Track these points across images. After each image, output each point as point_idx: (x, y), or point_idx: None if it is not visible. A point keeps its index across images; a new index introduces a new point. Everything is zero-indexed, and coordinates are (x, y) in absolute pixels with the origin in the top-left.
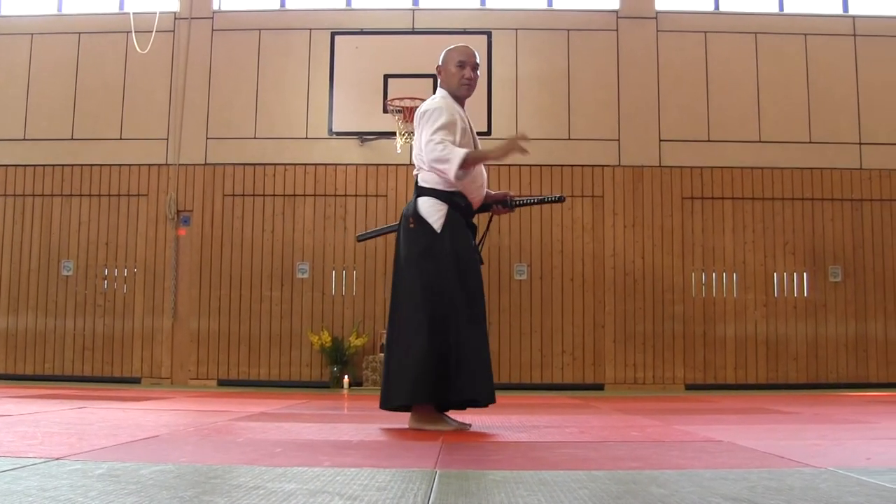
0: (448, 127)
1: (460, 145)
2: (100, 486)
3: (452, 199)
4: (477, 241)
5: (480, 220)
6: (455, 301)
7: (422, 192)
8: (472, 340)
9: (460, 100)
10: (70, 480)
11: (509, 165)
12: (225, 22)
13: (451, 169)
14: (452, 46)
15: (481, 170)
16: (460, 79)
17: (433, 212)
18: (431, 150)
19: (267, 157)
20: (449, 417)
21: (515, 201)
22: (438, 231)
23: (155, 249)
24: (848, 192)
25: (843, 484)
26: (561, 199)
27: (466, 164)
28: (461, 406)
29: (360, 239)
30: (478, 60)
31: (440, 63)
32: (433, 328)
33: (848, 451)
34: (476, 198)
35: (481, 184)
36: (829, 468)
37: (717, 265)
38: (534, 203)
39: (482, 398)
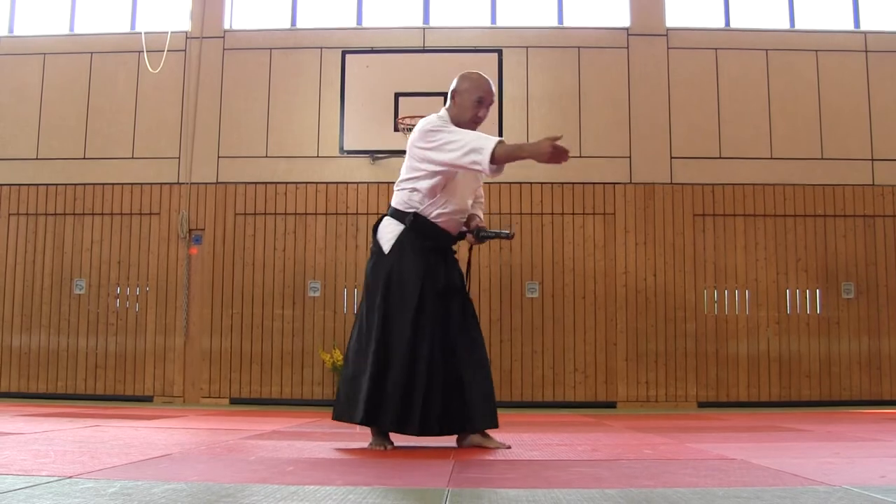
0: (458, 133)
1: (456, 182)
2: None
3: (415, 220)
4: (464, 270)
5: (463, 248)
6: (388, 326)
7: (389, 212)
8: (372, 366)
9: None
10: (83, 499)
11: (521, 183)
12: (236, 41)
13: (484, 160)
14: (473, 76)
15: (460, 192)
16: (474, 115)
17: (386, 233)
18: (457, 147)
19: (278, 175)
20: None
21: (482, 234)
22: (386, 252)
23: (167, 268)
24: (860, 209)
25: (858, 502)
26: (510, 236)
27: (498, 158)
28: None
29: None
30: (494, 98)
31: (455, 87)
32: (375, 352)
33: (862, 469)
34: (449, 221)
35: (460, 208)
36: (843, 486)
37: (730, 282)
38: (491, 237)
39: (369, 423)
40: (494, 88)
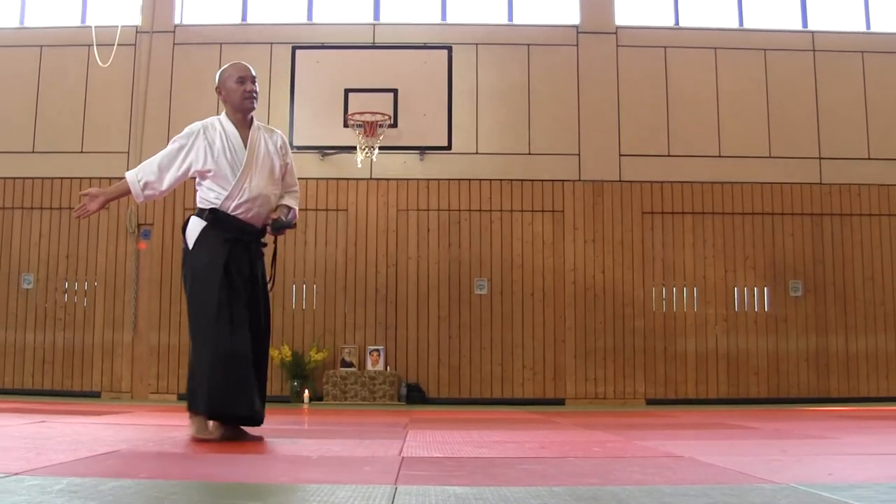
0: (171, 151)
1: (216, 168)
2: (59, 502)
3: (213, 216)
4: (269, 265)
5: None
6: (198, 318)
7: (196, 212)
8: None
9: (244, 114)
10: (28, 496)
11: (469, 180)
12: (186, 36)
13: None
14: (224, 68)
15: (256, 184)
16: (243, 93)
17: (191, 230)
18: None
19: None
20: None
21: (276, 224)
22: (191, 249)
23: (115, 263)
24: (808, 207)
25: (805, 500)
26: (290, 225)
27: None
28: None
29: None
30: (255, 74)
31: (217, 85)
32: (192, 343)
33: (809, 467)
34: (248, 214)
35: (257, 200)
36: (790, 484)
37: (678, 280)
38: (284, 226)
39: (203, 410)
40: (253, 70)
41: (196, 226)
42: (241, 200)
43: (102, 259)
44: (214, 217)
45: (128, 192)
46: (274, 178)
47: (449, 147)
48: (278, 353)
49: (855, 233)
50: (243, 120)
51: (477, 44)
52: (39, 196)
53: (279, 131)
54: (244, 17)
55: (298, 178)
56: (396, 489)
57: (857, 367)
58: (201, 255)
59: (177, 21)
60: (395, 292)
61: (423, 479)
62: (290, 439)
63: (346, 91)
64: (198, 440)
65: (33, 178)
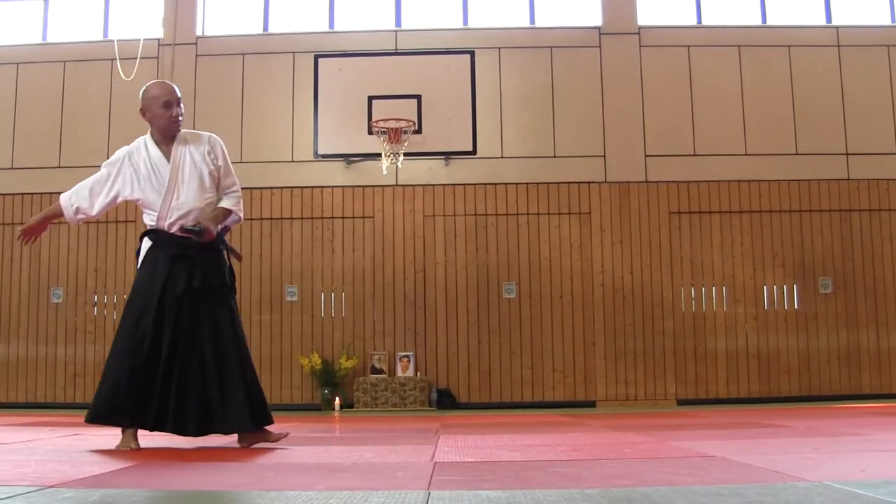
0: (100, 178)
1: (143, 196)
2: None
3: (155, 235)
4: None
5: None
6: (124, 330)
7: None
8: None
9: (168, 137)
10: None
11: (495, 184)
12: (208, 47)
13: None
14: (149, 88)
15: (184, 199)
16: (169, 118)
17: (141, 251)
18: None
19: (253, 180)
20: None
21: (184, 229)
22: (138, 266)
23: None
24: (836, 203)
25: (839, 498)
26: (193, 230)
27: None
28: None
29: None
30: (180, 95)
31: (141, 106)
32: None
33: (842, 464)
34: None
35: (189, 214)
36: (823, 482)
37: (707, 279)
38: (190, 233)
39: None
40: (178, 91)
41: (144, 246)
42: (173, 220)
43: (131, 272)
44: (155, 237)
45: (62, 213)
46: (205, 188)
47: (474, 152)
48: (308, 361)
49: (884, 228)
50: (167, 137)
51: (499, 48)
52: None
53: (207, 135)
54: (266, 27)
55: (324, 187)
56: (429, 494)
57: (889, 363)
58: (144, 274)
59: (199, 33)
60: (423, 298)
61: (455, 483)
62: (323, 447)
63: (370, 98)
64: (120, 450)
65: (60, 193)
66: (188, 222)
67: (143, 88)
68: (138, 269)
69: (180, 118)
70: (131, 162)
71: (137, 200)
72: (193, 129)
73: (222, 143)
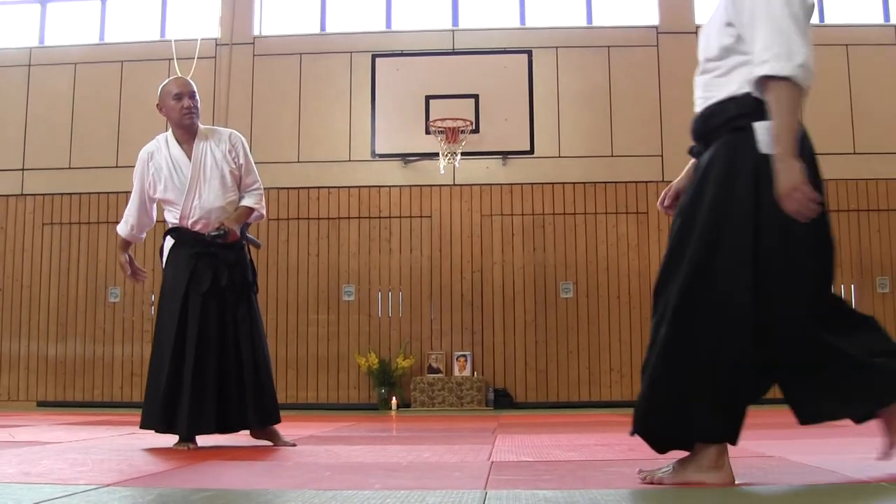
0: (133, 194)
1: (166, 195)
2: None
3: (177, 234)
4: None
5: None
6: (166, 334)
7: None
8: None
9: (188, 131)
10: None
11: (553, 184)
12: (266, 47)
13: None
14: (162, 85)
15: (205, 199)
16: (181, 110)
17: (165, 250)
18: None
19: (311, 180)
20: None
21: (208, 235)
22: (163, 267)
23: None
24: (894, 203)
25: None
26: (213, 236)
27: None
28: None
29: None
30: (194, 88)
31: (158, 100)
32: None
33: None
34: (207, 227)
35: (210, 213)
36: (881, 483)
37: None
38: (212, 238)
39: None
40: (192, 85)
41: (167, 245)
42: (195, 218)
43: None
44: (178, 235)
45: (127, 242)
46: (227, 186)
47: (531, 151)
48: (365, 360)
49: None
50: (187, 134)
51: (557, 47)
52: (124, 210)
53: (228, 132)
54: (323, 27)
55: (381, 187)
56: (486, 493)
57: None
58: (169, 273)
59: (256, 32)
60: (480, 298)
61: (512, 483)
62: (380, 446)
63: (427, 98)
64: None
65: (118, 193)
66: (211, 222)
67: (160, 88)
68: (164, 270)
69: (193, 111)
70: (153, 163)
71: (164, 200)
72: (251, 129)
73: (243, 140)
